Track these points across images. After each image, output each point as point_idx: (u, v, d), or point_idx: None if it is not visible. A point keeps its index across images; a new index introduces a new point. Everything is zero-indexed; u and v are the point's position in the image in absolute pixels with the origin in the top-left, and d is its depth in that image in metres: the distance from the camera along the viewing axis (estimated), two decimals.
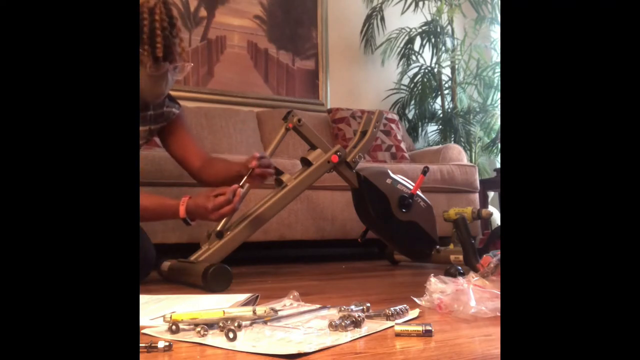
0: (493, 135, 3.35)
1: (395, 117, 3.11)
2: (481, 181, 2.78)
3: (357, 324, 0.75)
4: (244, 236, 1.52)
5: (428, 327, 0.72)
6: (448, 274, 1.41)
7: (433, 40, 3.39)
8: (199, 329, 0.72)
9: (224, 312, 0.76)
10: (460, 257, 1.70)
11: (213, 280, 1.25)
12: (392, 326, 0.76)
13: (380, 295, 1.18)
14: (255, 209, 1.56)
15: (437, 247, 1.82)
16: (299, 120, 1.63)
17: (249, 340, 0.68)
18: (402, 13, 3.38)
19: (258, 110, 2.91)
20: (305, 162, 1.68)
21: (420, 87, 3.37)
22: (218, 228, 1.48)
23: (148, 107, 1.44)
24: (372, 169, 1.85)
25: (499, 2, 3.12)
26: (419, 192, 1.80)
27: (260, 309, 0.78)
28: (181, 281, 1.42)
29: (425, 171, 1.81)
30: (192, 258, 1.44)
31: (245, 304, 0.93)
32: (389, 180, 1.76)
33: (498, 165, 3.35)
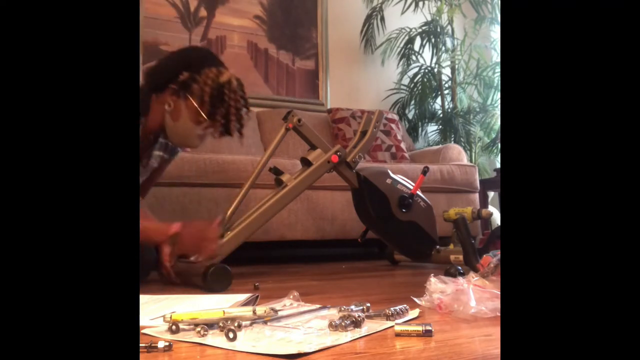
0: (493, 135, 3.35)
1: (395, 117, 3.11)
2: (481, 181, 2.77)
3: (357, 324, 0.75)
4: (244, 236, 1.51)
5: (428, 327, 0.72)
6: (448, 274, 1.41)
7: (433, 40, 3.39)
8: (199, 329, 0.72)
9: (224, 312, 0.76)
10: (460, 257, 1.69)
11: (213, 280, 1.25)
12: (392, 326, 0.76)
13: (380, 295, 1.18)
14: (256, 209, 1.56)
15: (437, 247, 1.82)
16: (299, 120, 1.63)
17: (249, 340, 0.68)
18: (402, 13, 3.38)
19: (258, 110, 2.91)
20: (305, 162, 1.68)
21: (420, 87, 3.37)
22: None
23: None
24: (372, 168, 1.85)
25: (499, 2, 3.12)
26: (418, 192, 1.80)
27: (260, 309, 0.78)
28: (181, 281, 1.43)
29: (425, 171, 1.81)
30: (192, 258, 1.44)
31: (245, 304, 0.93)
32: (389, 180, 1.76)
33: (498, 165, 3.35)
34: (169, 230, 1.35)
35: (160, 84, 1.41)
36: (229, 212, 1.54)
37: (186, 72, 1.37)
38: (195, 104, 1.37)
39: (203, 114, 1.38)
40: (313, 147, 1.69)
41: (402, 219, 1.76)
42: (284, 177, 1.61)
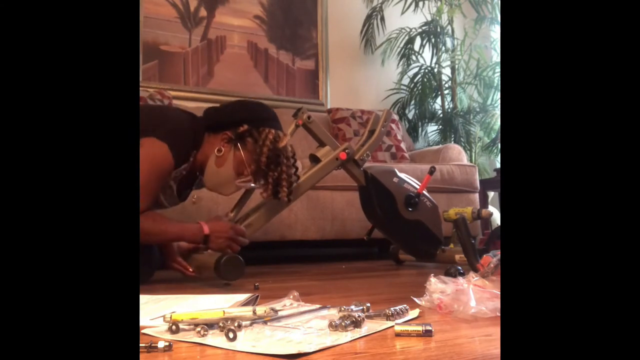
0: (493, 135, 3.35)
1: (395, 117, 3.11)
2: (481, 181, 2.77)
3: (357, 324, 0.75)
4: (254, 229, 1.52)
5: (428, 327, 0.72)
6: (448, 274, 1.41)
7: (433, 40, 3.39)
8: (199, 329, 0.72)
9: (224, 312, 0.76)
10: None
11: (226, 270, 1.26)
12: (392, 326, 0.76)
13: (380, 295, 1.18)
14: (264, 204, 1.56)
15: (442, 246, 1.82)
16: (309, 117, 1.64)
17: (249, 340, 0.68)
18: (402, 13, 3.38)
19: None
20: (314, 159, 1.69)
21: (420, 87, 3.37)
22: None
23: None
24: (379, 167, 1.86)
25: (499, 2, 3.12)
26: (424, 192, 1.80)
27: (260, 309, 0.77)
28: (199, 273, 1.45)
29: (432, 171, 1.82)
30: (208, 250, 1.45)
31: (245, 304, 0.93)
32: (395, 179, 1.77)
33: (498, 165, 3.35)
34: (203, 230, 1.37)
35: (217, 126, 1.42)
36: (234, 211, 1.55)
37: (247, 125, 1.40)
38: (244, 157, 1.40)
39: (249, 169, 1.41)
40: (322, 144, 1.69)
41: (408, 217, 1.76)
42: None
